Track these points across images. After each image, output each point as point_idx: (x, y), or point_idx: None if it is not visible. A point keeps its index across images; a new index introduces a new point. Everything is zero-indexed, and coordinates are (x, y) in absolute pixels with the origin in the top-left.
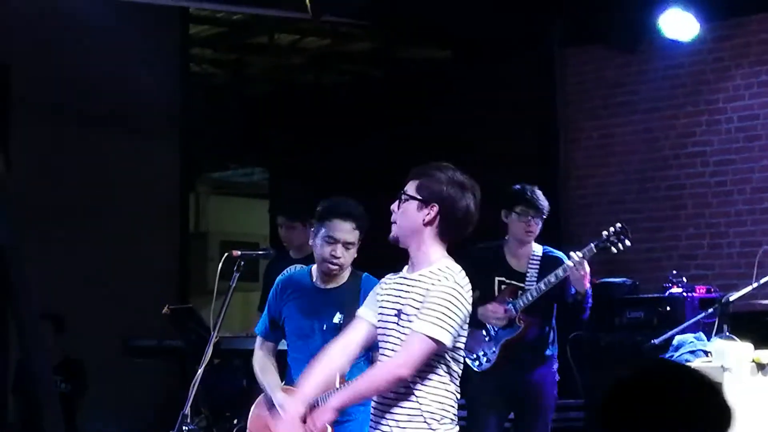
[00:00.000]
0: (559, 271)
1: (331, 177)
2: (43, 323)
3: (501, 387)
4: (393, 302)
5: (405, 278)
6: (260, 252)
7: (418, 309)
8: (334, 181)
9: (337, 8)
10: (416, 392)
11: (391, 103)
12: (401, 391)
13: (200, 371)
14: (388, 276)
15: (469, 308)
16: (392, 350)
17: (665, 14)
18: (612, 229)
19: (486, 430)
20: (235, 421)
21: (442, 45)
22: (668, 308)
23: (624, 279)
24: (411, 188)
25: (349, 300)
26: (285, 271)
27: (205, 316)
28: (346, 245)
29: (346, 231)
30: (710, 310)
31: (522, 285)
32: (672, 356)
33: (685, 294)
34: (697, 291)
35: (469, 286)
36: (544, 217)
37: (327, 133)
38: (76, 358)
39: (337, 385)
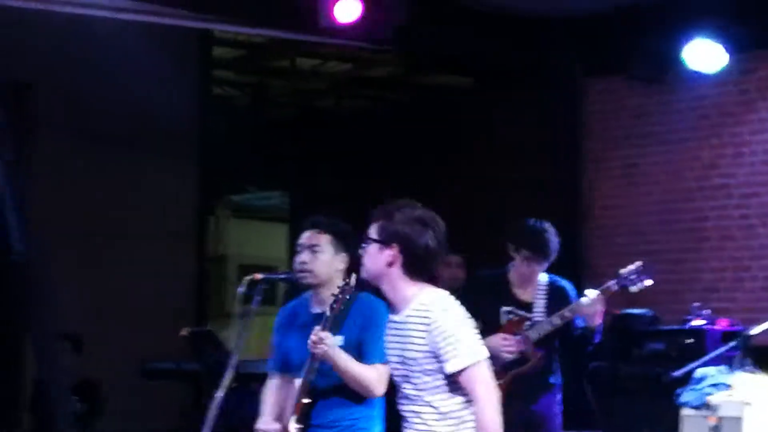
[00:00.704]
0: (575, 306)
1: (349, 202)
2: (61, 343)
3: (508, 419)
4: (395, 349)
5: (395, 322)
6: (282, 275)
7: (425, 353)
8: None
9: (360, 34)
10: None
11: (411, 129)
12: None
13: (219, 395)
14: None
15: (471, 319)
16: (409, 395)
17: (690, 45)
18: (632, 267)
19: None
20: None
21: (464, 73)
22: (689, 340)
23: (645, 310)
24: (373, 231)
25: (336, 321)
26: (288, 306)
27: (223, 339)
28: (312, 249)
29: (309, 236)
30: (732, 343)
31: (530, 316)
32: (694, 389)
33: (707, 326)
34: (719, 324)
35: (455, 302)
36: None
37: (346, 158)
38: (92, 379)
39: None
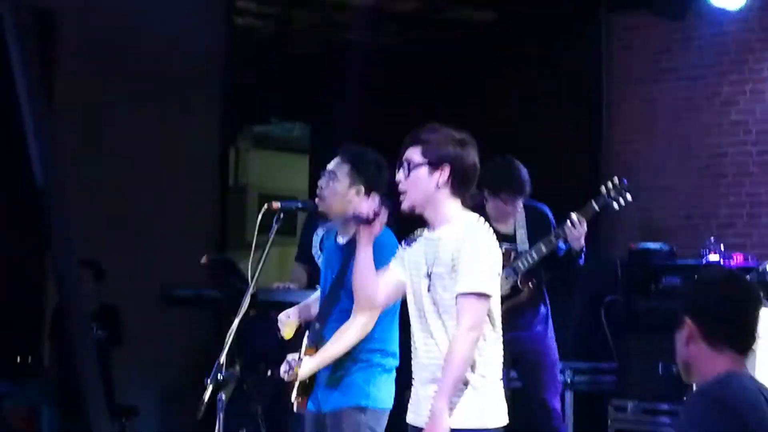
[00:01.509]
0: (559, 231)
1: (370, 135)
2: (82, 270)
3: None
4: (421, 264)
5: (428, 239)
6: (300, 204)
7: (450, 269)
8: (373, 139)
9: None
10: None
11: (434, 65)
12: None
13: (236, 322)
14: (411, 235)
15: (500, 255)
16: (424, 310)
17: None
18: (610, 184)
19: None
20: (269, 373)
21: (488, 7)
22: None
23: (661, 245)
24: (416, 155)
25: (351, 255)
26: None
27: (243, 268)
28: (330, 175)
29: (332, 163)
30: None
31: (515, 249)
32: None
33: (722, 261)
34: (735, 259)
35: (493, 234)
36: None
37: (368, 92)
38: (112, 306)
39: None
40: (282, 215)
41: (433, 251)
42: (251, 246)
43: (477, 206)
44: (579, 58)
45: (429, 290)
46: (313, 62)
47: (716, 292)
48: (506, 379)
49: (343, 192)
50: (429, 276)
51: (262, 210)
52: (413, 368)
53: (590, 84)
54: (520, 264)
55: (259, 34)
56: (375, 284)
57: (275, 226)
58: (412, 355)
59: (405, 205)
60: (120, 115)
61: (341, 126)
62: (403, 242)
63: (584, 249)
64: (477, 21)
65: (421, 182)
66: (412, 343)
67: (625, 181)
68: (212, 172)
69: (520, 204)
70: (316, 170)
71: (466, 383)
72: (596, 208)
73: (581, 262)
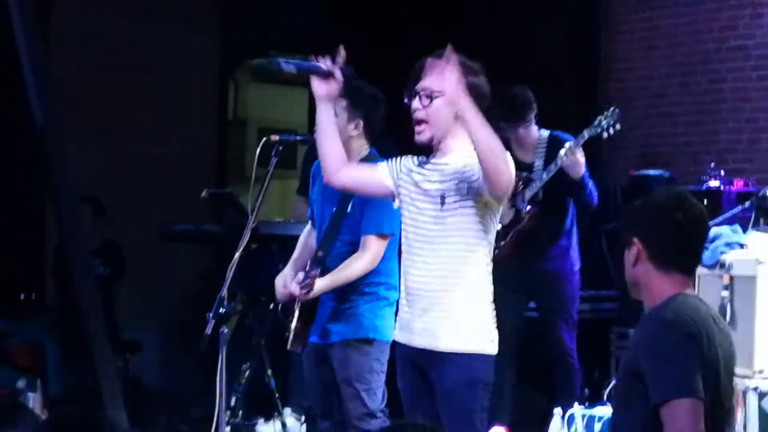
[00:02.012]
0: (558, 160)
1: (365, 65)
2: (82, 206)
3: (518, 277)
4: (431, 186)
5: (438, 163)
6: (298, 137)
7: (464, 193)
8: (368, 69)
9: None
10: (464, 275)
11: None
12: (450, 278)
13: (237, 255)
14: (412, 158)
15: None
16: (425, 229)
17: None
18: (605, 112)
19: (505, 319)
20: (271, 306)
21: None
22: (705, 201)
23: (661, 171)
24: (435, 84)
25: None
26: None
27: (243, 203)
28: None
29: None
30: (747, 204)
31: (530, 176)
32: (707, 247)
33: (722, 187)
34: (735, 184)
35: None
36: None
37: (368, 24)
38: (114, 242)
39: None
40: (281, 148)
41: (447, 174)
42: (251, 179)
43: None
44: None
45: (440, 209)
46: None
47: (663, 215)
48: (524, 309)
49: (342, 126)
50: (442, 199)
51: (261, 143)
52: (402, 293)
53: (587, 9)
54: (526, 191)
55: None
56: (336, 147)
57: (274, 159)
58: (402, 280)
59: (425, 137)
60: (117, 51)
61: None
62: (405, 162)
63: (585, 179)
64: None
65: (443, 113)
66: (403, 268)
67: (617, 110)
68: (211, 106)
69: (533, 131)
70: (315, 104)
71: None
72: (586, 136)
73: (587, 190)
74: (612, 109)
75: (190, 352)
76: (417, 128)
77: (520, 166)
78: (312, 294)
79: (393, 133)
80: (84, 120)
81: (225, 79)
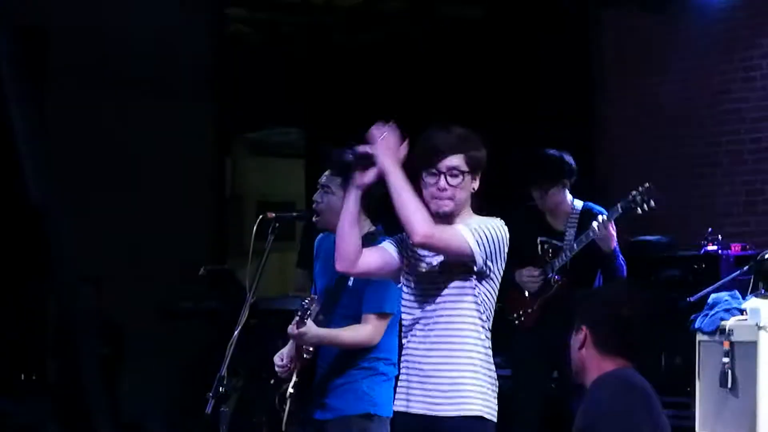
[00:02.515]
0: (590, 231)
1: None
2: (84, 286)
3: (543, 346)
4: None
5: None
6: (295, 213)
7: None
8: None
9: None
10: (459, 335)
11: (427, 62)
12: (445, 336)
13: (236, 332)
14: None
15: (505, 245)
16: (435, 304)
17: None
18: (640, 188)
19: (528, 387)
20: (272, 381)
21: (475, 2)
22: (704, 266)
23: (660, 237)
24: (461, 163)
25: None
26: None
27: (243, 278)
28: (324, 189)
29: (324, 176)
30: (745, 268)
31: (561, 245)
32: (707, 314)
33: (720, 252)
34: (733, 249)
35: (507, 230)
36: None
37: (362, 93)
38: (115, 321)
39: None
40: (278, 224)
41: None
42: (250, 255)
43: (532, 205)
44: (568, 52)
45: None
46: (304, 65)
47: (610, 309)
48: (548, 378)
49: (338, 205)
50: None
51: (258, 220)
52: (404, 361)
53: (581, 77)
54: (556, 261)
55: (250, 41)
56: (356, 237)
57: (271, 237)
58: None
59: (447, 210)
60: (114, 128)
61: (336, 128)
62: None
63: (617, 252)
64: (464, 18)
65: (466, 190)
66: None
67: (652, 187)
68: (209, 182)
69: (567, 199)
70: (312, 174)
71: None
72: (620, 210)
73: (618, 263)
74: (647, 185)
75: (192, 431)
76: (440, 202)
77: (551, 233)
78: (308, 336)
79: None
80: (81, 199)
81: (221, 155)
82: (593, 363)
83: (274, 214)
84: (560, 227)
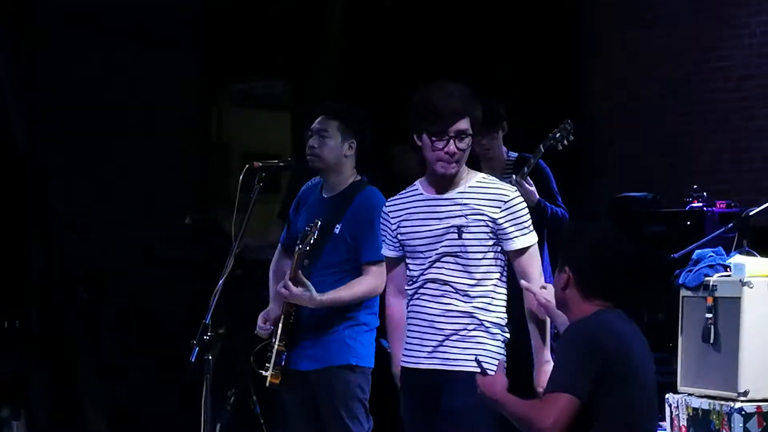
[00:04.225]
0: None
1: (350, 90)
2: (67, 233)
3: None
4: (441, 221)
5: (447, 198)
6: (281, 163)
7: (494, 223)
8: (352, 94)
9: None
10: (475, 301)
11: (411, 18)
12: (459, 299)
13: (221, 282)
14: (397, 201)
15: None
16: (451, 266)
17: None
18: (560, 125)
19: None
20: (255, 331)
21: None
22: (688, 223)
23: (645, 193)
24: (467, 126)
25: (341, 208)
26: (309, 182)
27: (228, 227)
28: (320, 134)
29: (319, 121)
30: (730, 225)
31: None
32: (691, 270)
33: (705, 209)
34: (718, 206)
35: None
36: None
37: (347, 46)
38: (98, 269)
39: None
40: (264, 174)
41: (462, 206)
42: (235, 205)
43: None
44: (557, 7)
45: (459, 240)
46: (291, 18)
47: (590, 251)
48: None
49: (337, 147)
50: (458, 231)
51: (244, 170)
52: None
53: (568, 32)
54: None
55: None
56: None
57: (257, 186)
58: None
59: (453, 170)
60: (100, 76)
61: (321, 81)
62: (393, 209)
63: (542, 202)
64: None
65: (468, 149)
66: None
67: (570, 122)
68: (194, 131)
69: (500, 149)
70: (298, 127)
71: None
72: (542, 150)
73: (551, 215)
74: (567, 121)
75: (176, 379)
76: (448, 166)
77: None
78: (310, 301)
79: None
80: (66, 147)
81: (207, 105)
82: (575, 303)
83: (260, 164)
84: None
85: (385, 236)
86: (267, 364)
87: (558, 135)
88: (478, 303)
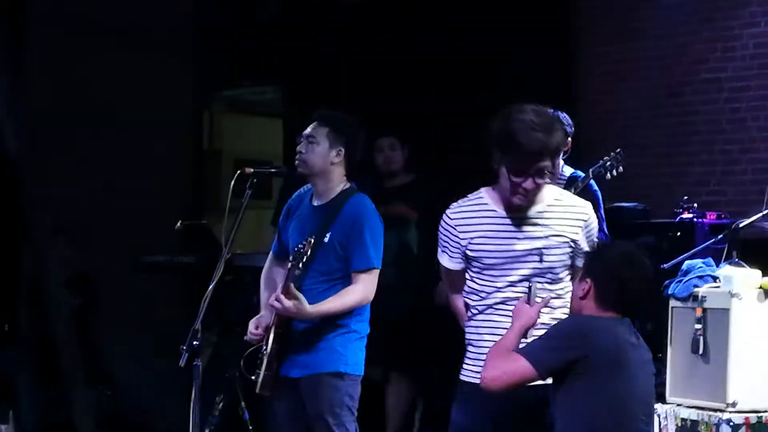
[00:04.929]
0: None
1: (343, 95)
2: (56, 237)
3: None
4: (521, 241)
5: (525, 218)
6: (273, 169)
7: (574, 243)
8: (346, 101)
9: None
10: (556, 312)
11: (405, 22)
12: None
13: (211, 287)
14: (464, 214)
15: None
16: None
17: None
18: (612, 153)
19: None
20: (245, 337)
21: None
22: (679, 234)
23: (635, 204)
24: (548, 161)
25: (330, 217)
26: (299, 191)
27: (218, 233)
28: (309, 139)
29: (309, 128)
30: (720, 236)
31: None
32: (681, 281)
33: (695, 220)
34: (708, 217)
35: None
36: None
37: (340, 52)
38: (87, 273)
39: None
40: (255, 180)
41: (544, 227)
42: (226, 211)
43: None
44: (547, 20)
45: (538, 263)
46: (284, 24)
47: (612, 270)
48: None
49: (324, 154)
50: (539, 254)
51: (236, 175)
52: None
53: (559, 44)
54: None
55: None
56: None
57: (249, 192)
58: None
59: (525, 205)
60: (91, 81)
61: (314, 88)
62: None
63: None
64: None
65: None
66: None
67: (622, 152)
68: (186, 137)
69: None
70: (290, 133)
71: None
72: (591, 175)
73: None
74: (618, 150)
75: (165, 385)
76: (523, 199)
77: None
78: (302, 314)
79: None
80: (58, 151)
81: (200, 110)
82: (589, 312)
83: (252, 170)
84: None
85: (447, 247)
86: (257, 370)
87: (608, 163)
88: (558, 314)
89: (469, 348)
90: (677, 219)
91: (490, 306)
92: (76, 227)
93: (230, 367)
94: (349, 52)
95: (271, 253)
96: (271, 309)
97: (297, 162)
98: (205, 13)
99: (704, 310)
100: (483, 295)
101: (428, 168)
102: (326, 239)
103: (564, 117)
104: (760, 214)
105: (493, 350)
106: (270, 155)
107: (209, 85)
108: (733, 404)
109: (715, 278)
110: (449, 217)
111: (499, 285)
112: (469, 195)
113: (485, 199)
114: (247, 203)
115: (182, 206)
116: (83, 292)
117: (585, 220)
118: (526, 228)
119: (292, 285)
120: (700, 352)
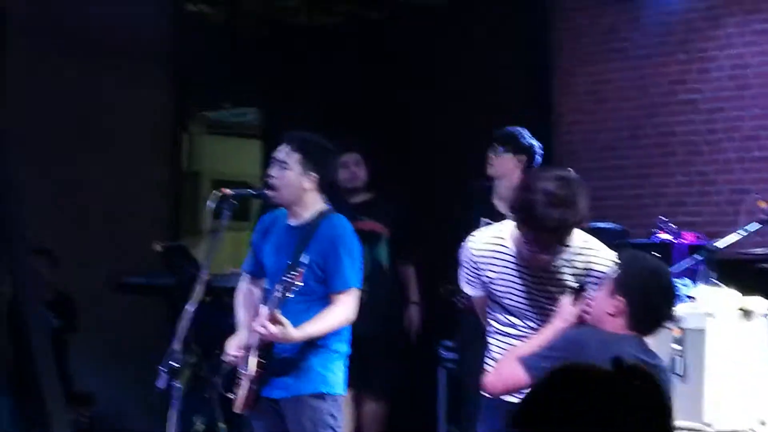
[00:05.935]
0: None
1: (321, 119)
2: (37, 258)
3: None
4: (540, 294)
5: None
6: (252, 191)
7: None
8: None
9: None
10: None
11: (385, 46)
12: None
13: (190, 308)
14: (485, 250)
15: None
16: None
17: None
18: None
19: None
20: (223, 357)
21: None
22: (656, 254)
23: (613, 225)
24: (566, 233)
25: (306, 238)
26: (275, 211)
27: (197, 254)
28: (281, 164)
29: (280, 151)
30: (697, 257)
31: None
32: None
33: (673, 240)
34: (685, 237)
35: None
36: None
37: (320, 75)
38: (67, 294)
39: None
40: (234, 202)
41: (579, 268)
42: (204, 232)
43: (485, 186)
44: (527, 40)
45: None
46: (262, 47)
47: (652, 292)
48: None
49: (295, 181)
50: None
51: (214, 196)
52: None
53: (538, 64)
54: None
55: (210, 20)
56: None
57: (227, 213)
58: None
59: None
60: (71, 103)
61: (293, 110)
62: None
63: None
64: (426, 4)
65: None
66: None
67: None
68: (165, 159)
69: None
70: (269, 155)
71: None
72: None
73: None
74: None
75: (144, 405)
76: (530, 257)
77: (495, 216)
78: (291, 335)
79: None
80: (37, 172)
81: (178, 131)
82: (615, 329)
83: (231, 191)
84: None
85: (468, 276)
86: (236, 389)
87: None
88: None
89: (487, 362)
90: (654, 239)
91: (508, 335)
92: (55, 248)
93: (209, 387)
94: (328, 75)
95: (243, 272)
96: (254, 332)
97: (268, 191)
98: (184, 34)
99: (683, 331)
100: (505, 323)
101: (386, 185)
102: (305, 260)
103: (539, 147)
104: (737, 235)
105: (508, 354)
106: (249, 176)
107: (188, 106)
108: (709, 425)
109: (692, 298)
110: (471, 250)
111: (520, 319)
112: (491, 224)
113: (507, 241)
114: (226, 225)
115: (161, 227)
116: (62, 313)
117: (601, 271)
118: (544, 279)
119: (277, 312)
120: (680, 372)
